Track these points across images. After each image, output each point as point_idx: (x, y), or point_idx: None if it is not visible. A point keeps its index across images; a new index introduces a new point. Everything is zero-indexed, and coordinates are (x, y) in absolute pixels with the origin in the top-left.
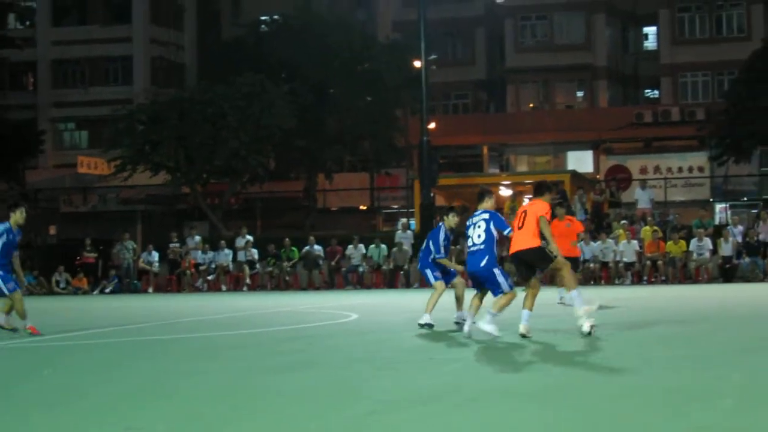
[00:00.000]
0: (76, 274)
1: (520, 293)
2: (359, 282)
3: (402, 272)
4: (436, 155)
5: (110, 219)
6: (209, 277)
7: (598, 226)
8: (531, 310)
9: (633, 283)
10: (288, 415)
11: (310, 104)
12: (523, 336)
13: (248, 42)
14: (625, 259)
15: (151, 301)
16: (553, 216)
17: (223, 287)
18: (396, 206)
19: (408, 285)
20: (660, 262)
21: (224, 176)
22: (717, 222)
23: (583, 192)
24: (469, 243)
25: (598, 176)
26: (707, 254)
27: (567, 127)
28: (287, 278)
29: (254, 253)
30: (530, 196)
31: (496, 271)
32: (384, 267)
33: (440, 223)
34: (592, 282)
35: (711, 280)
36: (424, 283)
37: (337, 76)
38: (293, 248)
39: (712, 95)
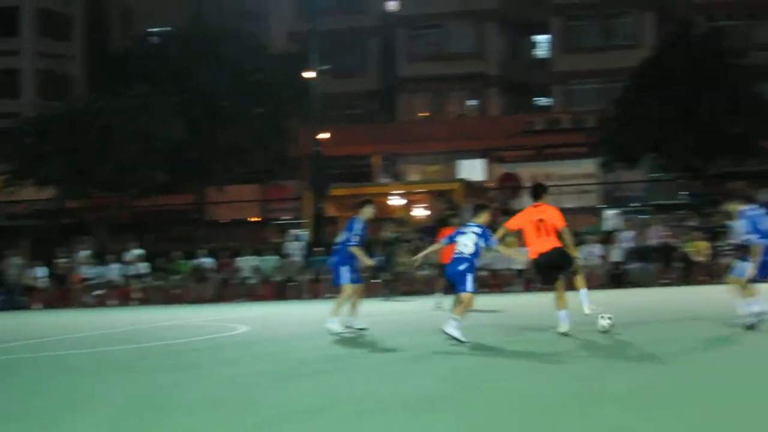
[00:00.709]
0: None
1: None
2: (249, 294)
3: (293, 283)
4: (328, 166)
5: None
6: (98, 292)
7: None
8: (566, 308)
9: (524, 290)
10: (181, 428)
11: (201, 116)
12: (565, 334)
13: (138, 54)
14: (516, 267)
15: (38, 317)
16: (449, 225)
17: (112, 302)
18: (287, 217)
19: (299, 296)
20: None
21: (112, 190)
22: (606, 228)
23: (474, 200)
24: (457, 248)
25: (489, 184)
26: (597, 260)
27: (458, 135)
28: (177, 291)
29: (143, 266)
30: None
31: (469, 276)
32: (274, 278)
33: (354, 216)
34: (486, 289)
35: (601, 285)
36: (316, 294)
37: (228, 88)
38: (183, 261)
39: (602, 103)
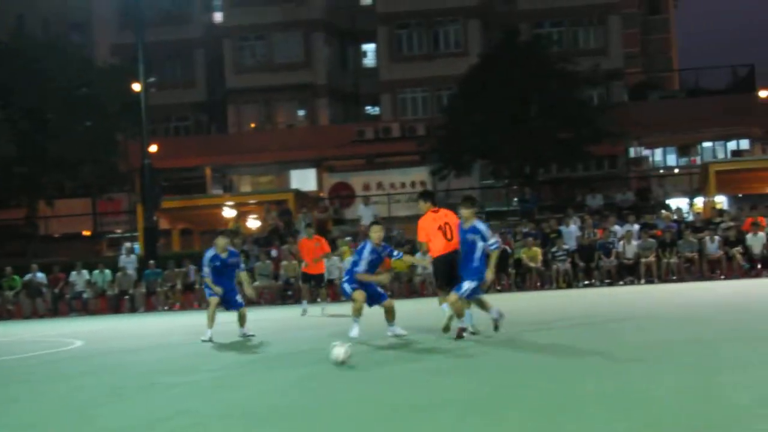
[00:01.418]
0: None
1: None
2: (84, 308)
3: (127, 297)
4: (159, 178)
5: None
6: None
7: None
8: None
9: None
10: None
11: (27, 130)
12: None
13: None
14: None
15: None
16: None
17: None
18: (120, 231)
19: (133, 309)
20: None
21: None
22: None
23: (307, 210)
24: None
25: (321, 194)
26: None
27: (289, 146)
28: (10, 307)
29: None
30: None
31: (347, 285)
32: (109, 292)
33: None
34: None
35: (434, 293)
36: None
37: (54, 101)
38: (15, 276)
39: (432, 111)
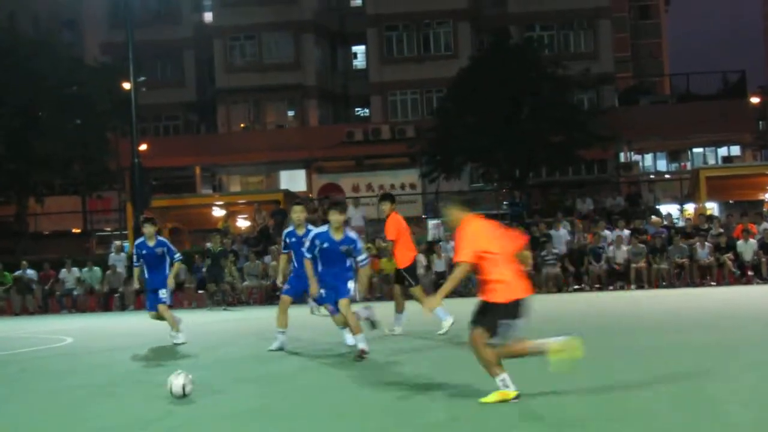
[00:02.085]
0: None
1: None
2: (74, 306)
3: (117, 295)
4: (149, 177)
5: None
6: None
7: None
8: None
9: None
10: None
11: (18, 128)
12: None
13: None
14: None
15: None
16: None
17: None
18: (109, 229)
19: (123, 307)
20: (375, 279)
21: None
22: (430, 238)
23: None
24: None
25: (311, 195)
26: (420, 270)
27: (279, 146)
28: (1, 304)
29: None
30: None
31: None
32: (98, 290)
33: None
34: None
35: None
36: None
37: (44, 99)
38: (6, 273)
39: (422, 113)
